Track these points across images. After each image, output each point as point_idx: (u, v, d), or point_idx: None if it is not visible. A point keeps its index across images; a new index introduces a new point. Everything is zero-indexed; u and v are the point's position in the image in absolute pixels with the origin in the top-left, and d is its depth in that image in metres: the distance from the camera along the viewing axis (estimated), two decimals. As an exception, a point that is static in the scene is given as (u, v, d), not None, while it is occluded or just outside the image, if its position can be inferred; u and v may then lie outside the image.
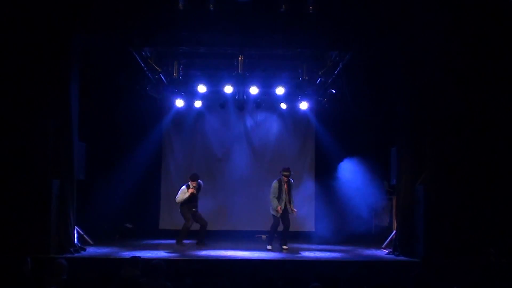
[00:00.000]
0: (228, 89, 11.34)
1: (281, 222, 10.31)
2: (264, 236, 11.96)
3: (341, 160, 11.81)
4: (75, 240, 9.38)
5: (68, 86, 9.12)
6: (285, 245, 10.19)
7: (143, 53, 10.31)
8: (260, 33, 9.52)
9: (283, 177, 10.25)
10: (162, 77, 11.21)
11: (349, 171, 11.44)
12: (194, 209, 10.62)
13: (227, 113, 12.57)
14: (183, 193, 10.59)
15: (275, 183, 10.30)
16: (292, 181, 10.42)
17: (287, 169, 10.33)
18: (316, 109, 12.43)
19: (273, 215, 10.29)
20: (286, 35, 9.58)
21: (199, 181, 10.73)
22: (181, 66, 11.41)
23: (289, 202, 10.27)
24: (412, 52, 9.36)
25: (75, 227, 9.47)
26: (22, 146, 8.78)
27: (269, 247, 10.19)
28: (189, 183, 10.62)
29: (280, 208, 10.13)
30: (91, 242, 10.20)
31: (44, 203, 8.77)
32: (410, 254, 9.18)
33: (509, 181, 9.10)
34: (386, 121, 11.31)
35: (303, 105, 12.20)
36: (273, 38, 9.72)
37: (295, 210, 10.35)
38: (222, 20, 9.06)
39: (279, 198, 10.20)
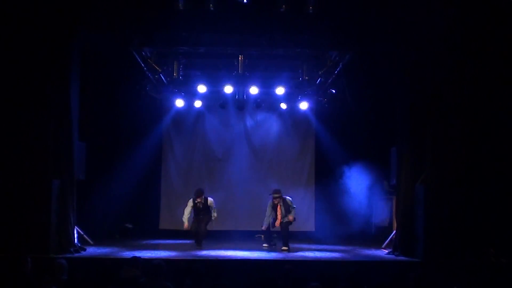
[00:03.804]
0: (228, 89, 11.33)
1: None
2: (264, 236, 11.96)
3: (341, 160, 11.82)
4: (75, 240, 9.37)
5: (68, 86, 9.12)
6: (284, 246, 10.16)
7: (143, 53, 10.31)
8: (260, 33, 9.52)
9: (274, 200, 10.29)
10: (162, 77, 11.21)
11: (350, 174, 11.44)
12: (201, 216, 10.50)
13: (227, 113, 12.56)
14: (187, 206, 10.58)
15: (270, 203, 10.40)
16: (289, 200, 10.35)
17: (276, 191, 10.33)
18: (316, 109, 12.43)
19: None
20: (286, 35, 9.58)
21: (210, 198, 10.64)
22: (181, 66, 11.41)
23: (284, 216, 10.26)
24: (412, 52, 9.35)
25: (75, 227, 9.47)
26: (22, 146, 8.78)
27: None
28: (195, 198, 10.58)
29: (265, 227, 10.33)
30: (91, 242, 10.20)
31: (44, 203, 8.76)
32: (410, 254, 9.18)
33: (509, 181, 9.10)
34: (386, 121, 11.32)
35: (303, 105, 12.20)
36: (273, 38, 9.72)
37: (291, 217, 10.27)
38: (222, 20, 9.06)
39: (274, 215, 10.31)
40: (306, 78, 11.29)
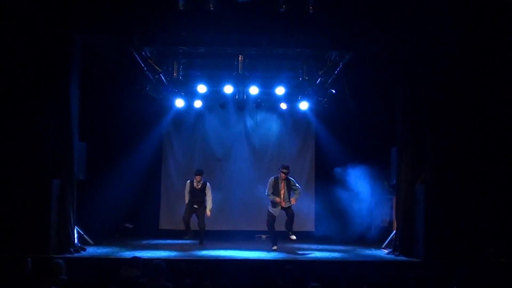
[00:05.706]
0: (228, 89, 11.34)
1: (285, 215, 10.23)
2: (264, 236, 11.97)
3: (341, 160, 11.82)
4: (75, 240, 9.37)
5: (68, 86, 9.12)
6: (292, 235, 10.09)
7: (143, 53, 10.30)
8: (260, 33, 9.52)
9: (281, 174, 10.18)
10: (162, 77, 11.20)
11: (350, 174, 11.43)
12: (195, 206, 10.57)
13: (227, 113, 12.56)
14: (186, 188, 10.76)
15: (271, 179, 10.25)
16: (293, 180, 10.30)
17: (286, 167, 10.21)
18: (316, 109, 12.43)
19: (268, 212, 10.24)
20: (286, 35, 9.58)
21: (208, 183, 10.75)
22: (181, 66, 11.41)
23: (288, 200, 10.16)
24: (412, 52, 9.35)
25: (75, 227, 9.47)
26: (22, 146, 8.78)
27: (274, 247, 10.12)
28: (194, 178, 10.68)
29: (278, 199, 10.05)
30: (91, 242, 10.20)
31: (44, 203, 8.77)
32: (410, 254, 9.19)
33: (509, 181, 9.10)
34: (386, 121, 11.32)
35: (303, 105, 12.19)
36: (273, 38, 9.72)
37: (294, 200, 10.20)
38: (222, 20, 9.06)
39: (274, 194, 10.14)
40: (306, 78, 11.29)
